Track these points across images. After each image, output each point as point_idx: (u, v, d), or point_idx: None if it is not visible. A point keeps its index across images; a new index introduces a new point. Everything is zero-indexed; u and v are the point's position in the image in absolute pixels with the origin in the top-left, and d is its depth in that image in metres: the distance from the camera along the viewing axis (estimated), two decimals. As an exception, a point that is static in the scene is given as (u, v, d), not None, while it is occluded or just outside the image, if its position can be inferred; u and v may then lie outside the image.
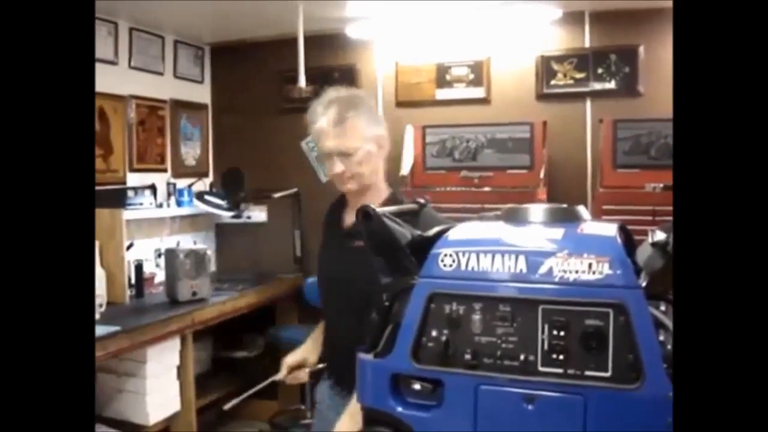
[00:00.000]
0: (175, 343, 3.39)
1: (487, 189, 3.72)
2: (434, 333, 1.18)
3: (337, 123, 1.87)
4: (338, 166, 1.89)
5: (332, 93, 1.97)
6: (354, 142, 1.86)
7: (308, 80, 3.81)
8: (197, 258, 3.60)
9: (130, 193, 3.80)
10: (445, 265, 1.16)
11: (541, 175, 3.67)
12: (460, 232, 1.22)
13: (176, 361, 3.42)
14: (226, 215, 4.37)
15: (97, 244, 3.46)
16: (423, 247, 1.20)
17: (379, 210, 1.24)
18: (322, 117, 1.90)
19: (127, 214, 3.64)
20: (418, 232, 1.25)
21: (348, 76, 4.40)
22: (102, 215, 3.60)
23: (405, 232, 1.25)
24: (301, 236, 4.48)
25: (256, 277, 4.34)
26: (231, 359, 4.44)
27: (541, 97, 4.02)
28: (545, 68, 4.00)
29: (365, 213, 1.25)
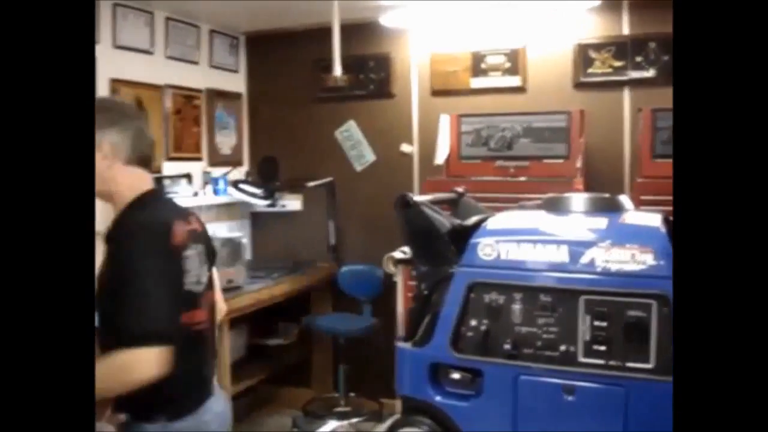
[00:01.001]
0: (211, 330, 3.42)
1: (522, 179, 3.68)
2: (474, 323, 1.18)
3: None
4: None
5: None
6: None
7: (343, 69, 3.80)
8: (233, 246, 3.63)
9: (167, 182, 3.84)
10: (485, 255, 1.16)
11: (578, 164, 3.62)
12: (500, 221, 1.21)
13: (212, 347, 3.46)
14: (261, 204, 4.39)
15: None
16: (463, 236, 1.20)
17: (418, 198, 1.23)
18: None
19: (164, 203, 3.67)
20: (458, 221, 1.24)
21: (382, 65, 4.39)
22: (140, 203, 3.65)
23: (444, 220, 1.25)
24: (336, 225, 4.49)
25: (291, 265, 4.37)
26: (265, 347, 4.48)
27: (579, 85, 3.96)
28: (582, 56, 3.94)
29: (404, 202, 1.24)
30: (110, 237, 1.72)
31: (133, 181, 1.83)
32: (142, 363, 1.59)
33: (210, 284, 1.95)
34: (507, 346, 1.15)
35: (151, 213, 1.80)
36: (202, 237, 1.93)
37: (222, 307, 2.18)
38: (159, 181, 3.81)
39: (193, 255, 1.84)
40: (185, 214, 1.92)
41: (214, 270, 2.08)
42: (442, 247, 1.27)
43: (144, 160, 1.88)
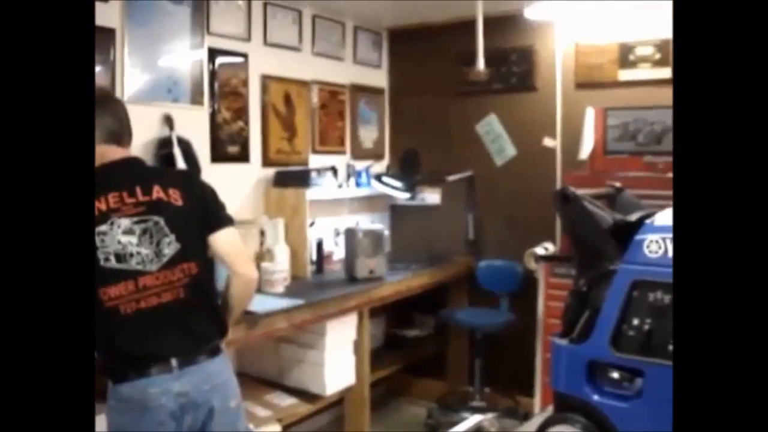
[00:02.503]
0: (352, 319, 3.52)
1: (672, 175, 3.52)
2: (636, 321, 1.15)
3: None
4: None
5: None
6: None
7: (485, 62, 3.78)
8: (375, 238, 3.71)
9: (313, 174, 3.97)
10: (650, 252, 1.13)
11: (735, 160, 3.43)
12: (667, 217, 1.17)
13: (353, 335, 3.56)
14: (402, 197, 4.45)
15: (282, 221, 3.66)
16: (625, 232, 1.17)
17: (579, 192, 1.21)
18: None
19: (310, 194, 3.81)
20: (620, 216, 1.22)
21: (525, 58, 4.33)
22: (288, 194, 3.80)
23: (606, 215, 1.22)
24: (474, 219, 4.48)
25: (429, 258, 4.40)
26: (402, 337, 4.55)
27: (736, 77, 3.74)
28: (741, 46, 3.72)
29: (564, 195, 1.22)
30: None
31: (101, 156, 1.93)
32: None
33: (176, 257, 1.94)
34: (671, 347, 1.11)
35: None
36: (159, 208, 1.94)
37: (242, 271, 2.11)
38: (306, 173, 3.95)
39: (111, 231, 1.87)
40: (131, 184, 1.93)
41: (229, 232, 2.07)
42: (603, 242, 1.24)
43: (114, 136, 1.99)
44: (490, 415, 1.59)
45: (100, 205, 1.88)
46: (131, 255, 1.89)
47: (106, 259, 1.86)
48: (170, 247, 1.93)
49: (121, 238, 1.88)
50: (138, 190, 1.95)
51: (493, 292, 4.33)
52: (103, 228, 1.87)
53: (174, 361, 1.91)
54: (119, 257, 1.87)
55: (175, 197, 1.98)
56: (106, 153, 1.97)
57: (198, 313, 2.00)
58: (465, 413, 3.98)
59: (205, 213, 2.04)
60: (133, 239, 1.89)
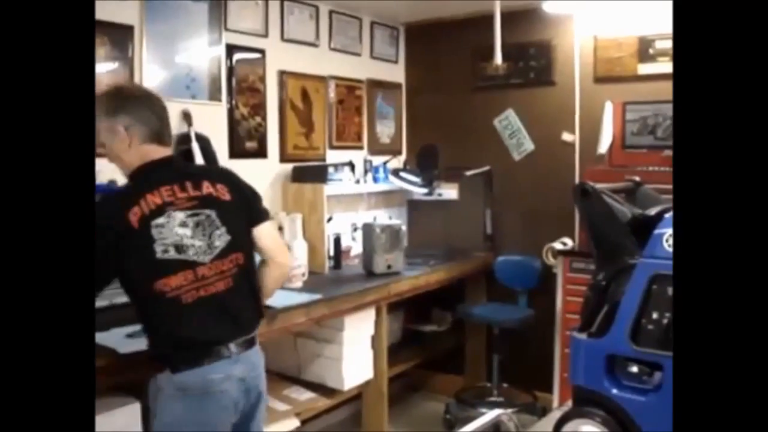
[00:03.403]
0: (370, 314, 3.53)
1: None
2: (655, 315, 1.15)
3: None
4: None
5: None
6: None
7: (503, 57, 3.77)
8: (393, 233, 3.71)
9: (331, 170, 3.98)
10: (670, 246, 1.12)
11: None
12: (687, 211, 1.17)
13: (371, 330, 3.56)
14: (420, 192, 4.45)
15: (299, 216, 3.67)
16: (644, 227, 1.16)
17: (598, 187, 1.21)
18: None
19: (327, 189, 3.82)
20: (639, 211, 1.21)
21: (543, 52, 4.31)
22: (305, 190, 3.81)
23: (625, 210, 1.22)
24: (492, 214, 4.47)
25: (447, 253, 4.40)
26: (420, 332, 4.55)
27: (757, 69, 3.70)
28: (763, 38, 3.67)
29: (582, 190, 1.22)
30: None
31: (143, 156, 2.00)
32: None
33: (227, 248, 2.02)
34: (691, 341, 1.10)
35: (126, 187, 2.02)
36: (210, 202, 2.02)
37: (282, 261, 2.23)
38: (324, 168, 3.96)
39: (168, 223, 1.92)
40: (180, 179, 2.01)
41: (269, 225, 2.21)
42: (622, 236, 1.24)
43: (156, 135, 2.05)
44: (508, 411, 1.59)
45: (155, 199, 1.93)
46: (187, 247, 1.95)
47: (165, 251, 1.91)
48: (221, 239, 2.01)
49: (177, 230, 1.94)
50: (188, 185, 2.02)
51: (511, 287, 4.32)
52: (160, 220, 1.92)
53: (233, 347, 1.99)
54: (178, 248, 1.93)
55: (223, 192, 2.08)
56: (148, 152, 2.04)
57: (245, 301, 2.09)
58: (483, 408, 3.98)
59: (249, 207, 2.16)
60: (188, 231, 1.95)
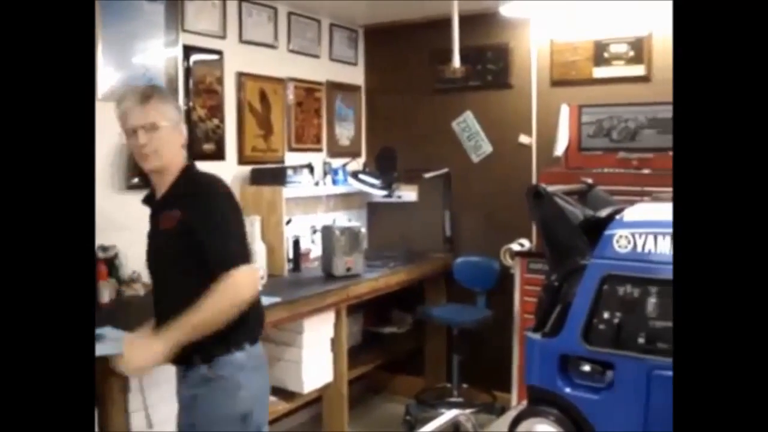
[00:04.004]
0: (330, 316, 3.52)
1: (646, 171, 3.56)
2: (606, 315, 1.17)
3: (143, 101, 2.03)
4: (142, 138, 2.02)
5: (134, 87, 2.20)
6: (156, 118, 2.03)
7: (461, 60, 3.80)
8: (352, 235, 3.71)
9: (290, 172, 3.96)
10: (620, 247, 1.14)
11: (707, 156, 3.47)
12: (635, 213, 1.19)
13: (331, 333, 3.56)
14: (379, 194, 4.46)
15: (258, 219, 3.65)
16: (596, 228, 1.19)
17: (550, 189, 1.23)
18: (128, 99, 2.06)
19: (286, 192, 3.80)
20: (591, 212, 1.23)
21: (501, 55, 4.36)
22: (264, 192, 3.79)
23: (577, 211, 1.24)
24: (451, 216, 4.50)
25: (407, 255, 4.42)
26: (380, 334, 4.56)
27: (708, 74, 3.78)
28: (713, 43, 3.76)
29: (535, 192, 1.24)
30: (183, 195, 2.04)
31: (183, 157, 2.16)
32: (249, 279, 1.95)
33: None
34: (641, 340, 1.13)
35: (212, 175, 2.15)
36: None
37: None
38: (282, 170, 3.94)
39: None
40: None
41: None
42: (574, 238, 1.26)
43: None
44: (466, 411, 1.60)
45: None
46: None
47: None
48: None
49: None
50: None
51: (471, 288, 4.36)
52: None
53: None
54: None
55: None
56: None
57: None
58: (443, 409, 4.00)
59: None
60: None
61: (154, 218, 2.14)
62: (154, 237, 2.14)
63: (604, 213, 1.24)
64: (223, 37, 3.79)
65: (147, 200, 2.22)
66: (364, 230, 3.92)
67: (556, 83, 4.18)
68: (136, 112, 2.03)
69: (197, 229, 1.96)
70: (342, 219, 4.24)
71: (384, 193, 4.41)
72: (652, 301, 1.14)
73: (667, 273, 1.13)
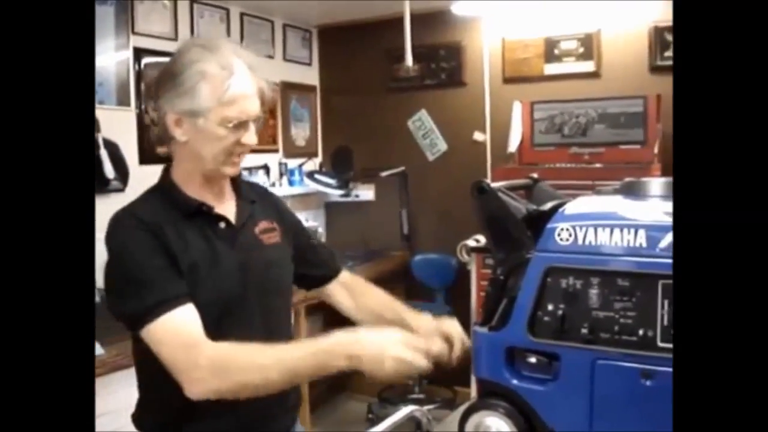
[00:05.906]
0: (289, 317, 3.51)
1: (598, 165, 3.63)
2: (550, 307, 1.19)
3: (253, 85, 1.49)
4: (254, 137, 1.53)
5: (227, 45, 1.51)
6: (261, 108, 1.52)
7: (414, 59, 3.82)
8: (309, 235, 3.70)
9: (245, 173, 3.95)
10: (561, 240, 1.17)
11: (656, 150, 3.55)
12: (576, 206, 1.22)
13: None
14: (336, 194, 4.47)
15: (214, 221, 3.62)
16: (539, 222, 1.21)
17: (494, 185, 1.25)
18: (240, 79, 1.46)
19: (242, 194, 3.77)
20: (534, 207, 1.26)
21: (454, 54, 4.39)
22: (219, 194, 3.76)
23: (520, 206, 1.26)
24: (409, 214, 4.53)
25: (365, 254, 4.43)
26: (341, 334, 4.55)
27: (655, 69, 3.87)
28: (659, 39, 3.84)
29: (479, 188, 1.26)
30: (257, 200, 1.69)
31: None
32: None
33: None
34: (584, 331, 1.16)
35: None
36: None
37: None
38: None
39: None
40: None
41: None
42: (518, 232, 1.28)
43: None
44: (423, 408, 1.62)
45: None
46: None
47: None
48: None
49: None
50: None
51: (429, 285, 4.39)
52: None
53: None
54: None
55: None
56: None
57: None
58: (405, 406, 4.02)
59: None
60: None
61: (235, 234, 1.57)
62: (250, 257, 1.56)
63: (547, 206, 1.26)
64: (175, 38, 3.76)
65: (196, 214, 1.53)
66: (321, 230, 3.92)
67: (509, 80, 4.23)
68: (251, 100, 1.47)
69: (300, 236, 1.71)
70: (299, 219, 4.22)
71: (341, 192, 4.42)
72: (594, 292, 1.16)
73: (607, 264, 1.16)
